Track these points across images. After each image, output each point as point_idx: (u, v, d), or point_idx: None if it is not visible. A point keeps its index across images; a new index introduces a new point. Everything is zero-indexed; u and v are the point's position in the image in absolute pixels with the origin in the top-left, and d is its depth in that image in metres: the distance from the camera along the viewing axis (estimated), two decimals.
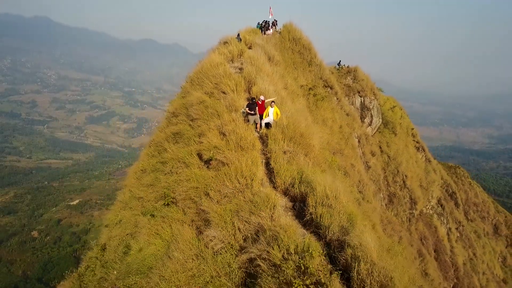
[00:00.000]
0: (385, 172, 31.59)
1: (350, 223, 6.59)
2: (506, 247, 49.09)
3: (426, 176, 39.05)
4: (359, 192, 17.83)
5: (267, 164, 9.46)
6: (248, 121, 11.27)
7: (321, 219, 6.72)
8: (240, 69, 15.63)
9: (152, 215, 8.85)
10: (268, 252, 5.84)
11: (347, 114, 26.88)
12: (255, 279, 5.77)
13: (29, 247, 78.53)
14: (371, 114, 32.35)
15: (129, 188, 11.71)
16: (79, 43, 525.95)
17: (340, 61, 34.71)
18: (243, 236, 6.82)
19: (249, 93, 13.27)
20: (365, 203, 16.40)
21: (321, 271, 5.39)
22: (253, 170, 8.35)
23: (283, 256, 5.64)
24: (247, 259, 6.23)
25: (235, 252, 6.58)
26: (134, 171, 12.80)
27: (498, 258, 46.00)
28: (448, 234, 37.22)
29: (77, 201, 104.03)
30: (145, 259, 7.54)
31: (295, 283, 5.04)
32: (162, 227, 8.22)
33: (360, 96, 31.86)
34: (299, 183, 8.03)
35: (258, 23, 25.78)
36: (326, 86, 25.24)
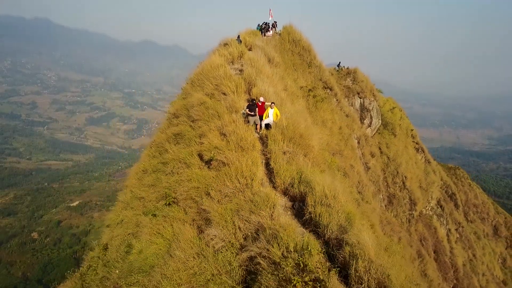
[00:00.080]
0: (384, 173, 31.68)
1: (349, 222, 6.71)
2: (506, 249, 49.11)
3: (425, 177, 39.12)
4: (359, 192, 17.94)
5: (267, 164, 9.59)
6: (248, 122, 11.39)
7: (320, 218, 6.84)
8: (240, 70, 15.76)
9: (154, 215, 8.96)
10: (268, 250, 5.95)
11: (347, 115, 27.02)
12: (255, 276, 5.88)
13: (29, 249, 78.43)
14: (370, 115, 32.48)
15: (131, 188, 11.82)
16: (79, 45, 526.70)
17: (339, 62, 34.88)
18: (243, 234, 6.93)
19: (249, 94, 13.40)
20: (365, 203, 16.51)
21: (319, 268, 5.50)
22: (253, 170, 8.47)
23: (282, 254, 5.75)
24: (248, 257, 6.34)
25: (236, 251, 6.69)
26: (135, 171, 12.91)
27: (498, 260, 46.03)
28: (447, 235, 37.27)
29: (77, 202, 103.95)
30: (147, 258, 7.64)
31: (294, 280, 5.15)
32: (163, 227, 8.33)
33: (360, 98, 32.00)
34: (299, 183, 8.16)
35: (258, 25, 25.92)
36: (325, 88, 25.38)
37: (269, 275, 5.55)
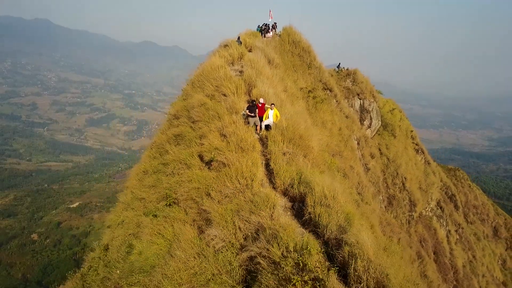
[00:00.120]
0: (384, 174, 31.71)
1: (348, 222, 6.77)
2: (505, 250, 49.14)
3: (425, 178, 39.15)
4: (358, 193, 17.99)
5: (267, 165, 9.65)
6: (249, 123, 11.45)
7: (320, 218, 6.90)
8: (241, 72, 15.82)
9: (155, 215, 9.00)
10: (268, 250, 6.01)
11: (347, 117, 27.08)
12: (255, 276, 5.94)
13: (29, 250, 78.34)
14: (370, 116, 32.54)
15: (131, 189, 11.87)
16: (79, 46, 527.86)
17: (339, 63, 34.99)
18: (243, 235, 6.99)
19: (249, 95, 13.46)
20: (364, 204, 16.56)
21: (319, 267, 5.56)
22: (253, 171, 8.53)
23: (282, 253, 5.81)
24: (248, 257, 6.39)
25: (236, 251, 6.75)
26: (136, 172, 12.96)
27: (498, 261, 46.05)
28: (447, 237, 37.28)
29: (77, 203, 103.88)
30: (148, 258, 7.69)
31: (294, 279, 5.21)
32: (164, 227, 8.37)
33: (360, 99, 32.07)
34: (298, 183, 8.22)
35: (258, 26, 26.02)
36: (325, 89, 25.45)
37: (269, 275, 5.60)
